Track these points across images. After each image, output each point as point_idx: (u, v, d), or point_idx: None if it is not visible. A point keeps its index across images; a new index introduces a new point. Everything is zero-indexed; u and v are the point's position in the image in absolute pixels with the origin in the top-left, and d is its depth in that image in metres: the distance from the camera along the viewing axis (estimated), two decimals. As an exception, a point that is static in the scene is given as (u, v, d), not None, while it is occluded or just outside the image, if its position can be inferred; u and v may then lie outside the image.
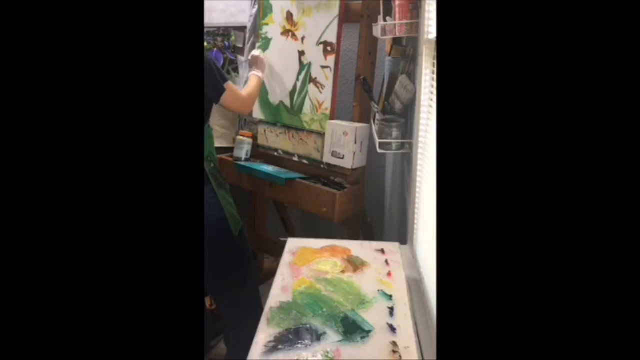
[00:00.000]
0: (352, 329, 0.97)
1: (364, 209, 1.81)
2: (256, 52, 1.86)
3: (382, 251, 1.32)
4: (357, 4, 1.63)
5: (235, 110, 1.65)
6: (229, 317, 1.64)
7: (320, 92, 1.71)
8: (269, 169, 1.79)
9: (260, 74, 1.79)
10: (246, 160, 1.87)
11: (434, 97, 1.14)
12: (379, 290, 1.12)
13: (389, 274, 1.20)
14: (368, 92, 1.60)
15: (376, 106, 1.57)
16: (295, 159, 1.81)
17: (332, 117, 1.68)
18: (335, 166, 1.66)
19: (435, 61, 1.16)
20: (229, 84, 1.53)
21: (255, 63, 1.83)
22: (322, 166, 1.71)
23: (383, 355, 0.90)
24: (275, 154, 1.87)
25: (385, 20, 1.36)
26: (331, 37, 1.66)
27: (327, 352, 0.90)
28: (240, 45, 2.02)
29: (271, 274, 1.25)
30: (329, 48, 1.68)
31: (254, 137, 1.91)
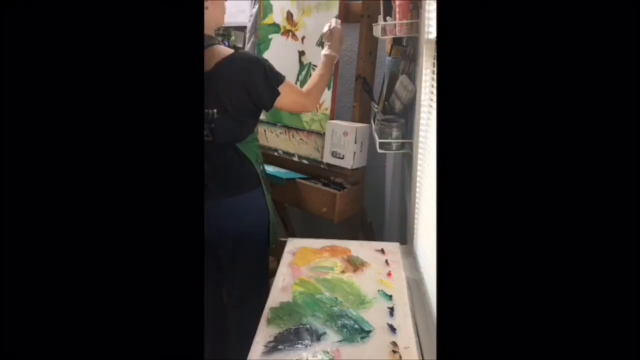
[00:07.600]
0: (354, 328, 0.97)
1: (364, 209, 1.81)
2: (334, 22, 1.45)
3: (382, 251, 1.32)
4: (357, 4, 1.63)
5: (295, 112, 1.45)
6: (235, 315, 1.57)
7: (320, 92, 1.71)
8: (269, 169, 1.79)
9: (335, 54, 1.42)
10: None
11: (434, 97, 1.14)
12: (379, 290, 1.12)
13: (389, 274, 1.20)
14: (368, 92, 1.60)
15: (376, 106, 1.57)
16: (295, 159, 1.80)
17: (332, 117, 1.68)
18: (335, 166, 1.66)
19: (435, 61, 1.16)
20: (285, 86, 1.36)
21: (330, 38, 1.43)
22: (322, 166, 1.71)
23: (383, 355, 0.90)
24: (275, 154, 1.87)
25: (385, 20, 1.36)
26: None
27: (327, 352, 0.90)
28: (240, 45, 2.02)
29: (271, 274, 1.25)
30: (329, 48, 1.68)
31: (255, 137, 1.91)
